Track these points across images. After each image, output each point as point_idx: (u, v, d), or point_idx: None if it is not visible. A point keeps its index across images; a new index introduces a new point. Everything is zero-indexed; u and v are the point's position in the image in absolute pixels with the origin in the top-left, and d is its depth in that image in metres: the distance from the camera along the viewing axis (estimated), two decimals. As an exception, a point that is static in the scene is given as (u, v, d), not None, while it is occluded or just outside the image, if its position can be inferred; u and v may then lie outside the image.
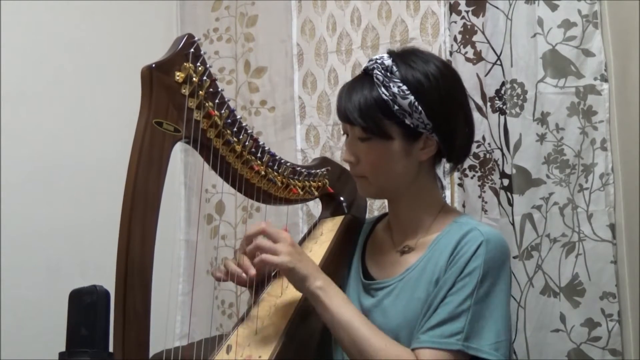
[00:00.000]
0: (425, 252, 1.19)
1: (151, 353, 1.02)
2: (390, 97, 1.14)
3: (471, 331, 1.08)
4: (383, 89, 1.15)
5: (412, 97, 1.14)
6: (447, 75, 1.20)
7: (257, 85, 2.22)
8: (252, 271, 1.20)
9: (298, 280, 1.11)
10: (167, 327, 2.04)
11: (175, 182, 2.26)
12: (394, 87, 1.14)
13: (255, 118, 2.21)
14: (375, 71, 1.17)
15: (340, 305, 1.12)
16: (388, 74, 1.16)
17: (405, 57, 1.19)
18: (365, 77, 1.19)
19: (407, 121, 1.15)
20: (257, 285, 1.26)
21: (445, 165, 1.28)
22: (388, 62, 1.17)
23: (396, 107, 1.14)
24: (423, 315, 1.13)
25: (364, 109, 1.16)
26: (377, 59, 1.19)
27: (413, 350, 1.10)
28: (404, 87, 1.14)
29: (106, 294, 1.25)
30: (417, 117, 1.15)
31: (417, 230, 1.24)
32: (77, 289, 1.27)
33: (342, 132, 1.28)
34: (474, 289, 1.10)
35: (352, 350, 1.11)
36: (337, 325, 1.11)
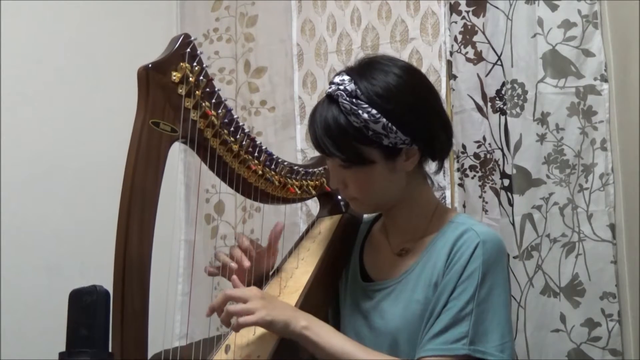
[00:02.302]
0: (422, 254, 1.19)
1: (150, 353, 1.02)
2: (363, 124, 1.11)
3: (476, 334, 1.08)
4: (353, 117, 1.11)
5: (384, 120, 1.11)
6: (409, 83, 1.16)
7: (257, 85, 2.22)
8: (247, 263, 1.21)
9: (281, 328, 1.10)
10: (166, 327, 2.04)
11: (174, 182, 2.26)
12: (363, 113, 1.11)
13: (255, 118, 2.21)
14: (341, 99, 1.12)
15: (329, 337, 1.11)
16: (354, 99, 1.12)
17: (364, 73, 1.15)
18: (332, 103, 1.15)
19: (385, 142, 1.13)
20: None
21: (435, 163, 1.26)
22: (351, 86, 1.12)
23: (370, 132, 1.11)
24: (426, 321, 1.12)
25: (338, 139, 1.13)
26: (338, 83, 1.14)
27: (420, 358, 1.09)
28: (374, 111, 1.11)
29: (106, 294, 1.24)
30: (394, 136, 1.12)
31: (413, 233, 1.23)
32: (77, 289, 1.27)
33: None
34: (474, 291, 1.09)
35: None
36: (332, 357, 1.10)
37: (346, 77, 1.14)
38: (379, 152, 1.14)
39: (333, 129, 1.13)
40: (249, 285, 1.24)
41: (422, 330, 1.12)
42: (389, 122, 1.11)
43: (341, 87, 1.13)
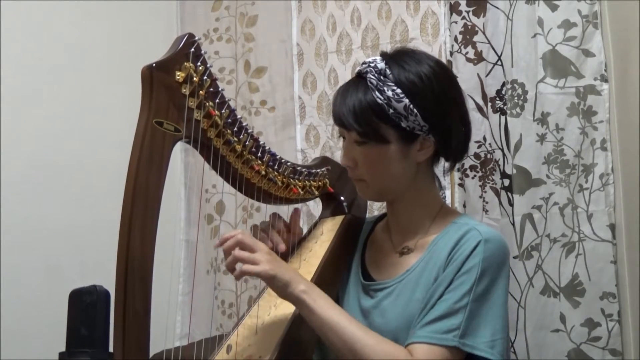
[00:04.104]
0: (424, 254, 1.19)
1: (151, 353, 1.02)
2: (385, 101, 1.14)
3: (467, 328, 1.08)
4: (377, 93, 1.14)
5: (406, 100, 1.13)
6: (440, 75, 1.18)
7: (257, 85, 2.22)
8: (282, 247, 1.26)
9: (281, 286, 1.10)
10: (167, 327, 2.04)
11: (175, 182, 2.26)
12: (388, 90, 1.14)
13: (255, 118, 2.21)
14: (369, 75, 1.16)
15: (326, 307, 1.11)
16: (381, 77, 1.15)
17: (398, 58, 1.18)
18: (360, 80, 1.18)
19: (403, 124, 1.15)
20: None
21: (444, 164, 1.27)
22: (381, 65, 1.16)
23: (391, 110, 1.14)
24: (420, 311, 1.12)
25: (359, 113, 1.15)
26: (370, 62, 1.18)
27: (409, 344, 1.10)
28: (398, 91, 1.14)
29: (106, 294, 1.25)
30: (413, 119, 1.14)
31: (416, 232, 1.23)
32: (77, 289, 1.27)
33: (338, 135, 1.28)
34: (472, 286, 1.10)
35: (343, 350, 1.09)
36: (325, 327, 1.10)
37: (378, 58, 1.18)
38: (396, 133, 1.16)
39: (355, 102, 1.16)
40: None
41: (415, 319, 1.12)
42: (411, 104, 1.13)
43: (372, 65, 1.17)
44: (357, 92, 1.16)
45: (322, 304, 1.10)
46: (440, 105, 1.16)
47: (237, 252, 1.09)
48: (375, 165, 1.19)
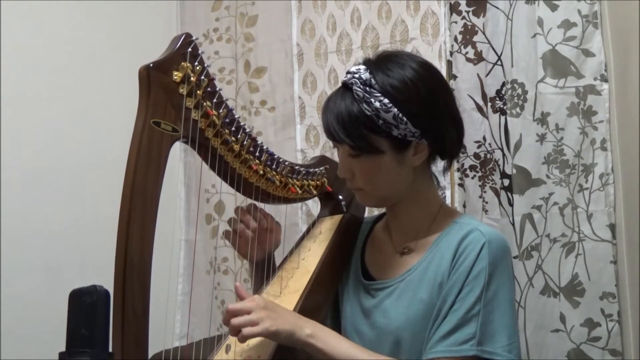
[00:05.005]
0: (426, 254, 1.19)
1: (151, 353, 1.02)
2: (374, 113, 1.12)
3: (483, 335, 1.08)
4: (365, 105, 1.13)
5: (395, 110, 1.12)
6: (425, 78, 1.17)
7: (257, 85, 2.22)
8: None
9: (286, 337, 1.09)
10: (167, 327, 2.04)
11: (174, 181, 2.26)
12: (375, 101, 1.12)
13: (255, 118, 2.21)
14: (355, 87, 1.14)
15: (335, 343, 1.11)
16: (367, 88, 1.13)
17: (381, 65, 1.17)
18: (346, 91, 1.17)
19: (394, 133, 1.14)
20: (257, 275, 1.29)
21: (443, 163, 1.27)
22: (365, 75, 1.14)
23: (381, 121, 1.13)
24: (432, 322, 1.12)
25: (349, 127, 1.14)
26: (354, 72, 1.16)
27: None
28: (386, 100, 1.12)
29: (106, 294, 1.24)
30: (404, 127, 1.13)
31: (417, 231, 1.23)
32: (77, 289, 1.27)
33: (332, 146, 1.27)
34: (481, 292, 1.09)
35: None
36: None
37: (362, 67, 1.17)
38: (388, 142, 1.15)
39: (344, 116, 1.14)
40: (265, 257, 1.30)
41: (428, 330, 1.12)
42: (399, 113, 1.12)
43: (356, 76, 1.15)
44: (346, 105, 1.15)
45: (330, 343, 1.11)
46: (429, 108, 1.15)
47: (234, 321, 1.08)
48: (372, 175, 1.19)
